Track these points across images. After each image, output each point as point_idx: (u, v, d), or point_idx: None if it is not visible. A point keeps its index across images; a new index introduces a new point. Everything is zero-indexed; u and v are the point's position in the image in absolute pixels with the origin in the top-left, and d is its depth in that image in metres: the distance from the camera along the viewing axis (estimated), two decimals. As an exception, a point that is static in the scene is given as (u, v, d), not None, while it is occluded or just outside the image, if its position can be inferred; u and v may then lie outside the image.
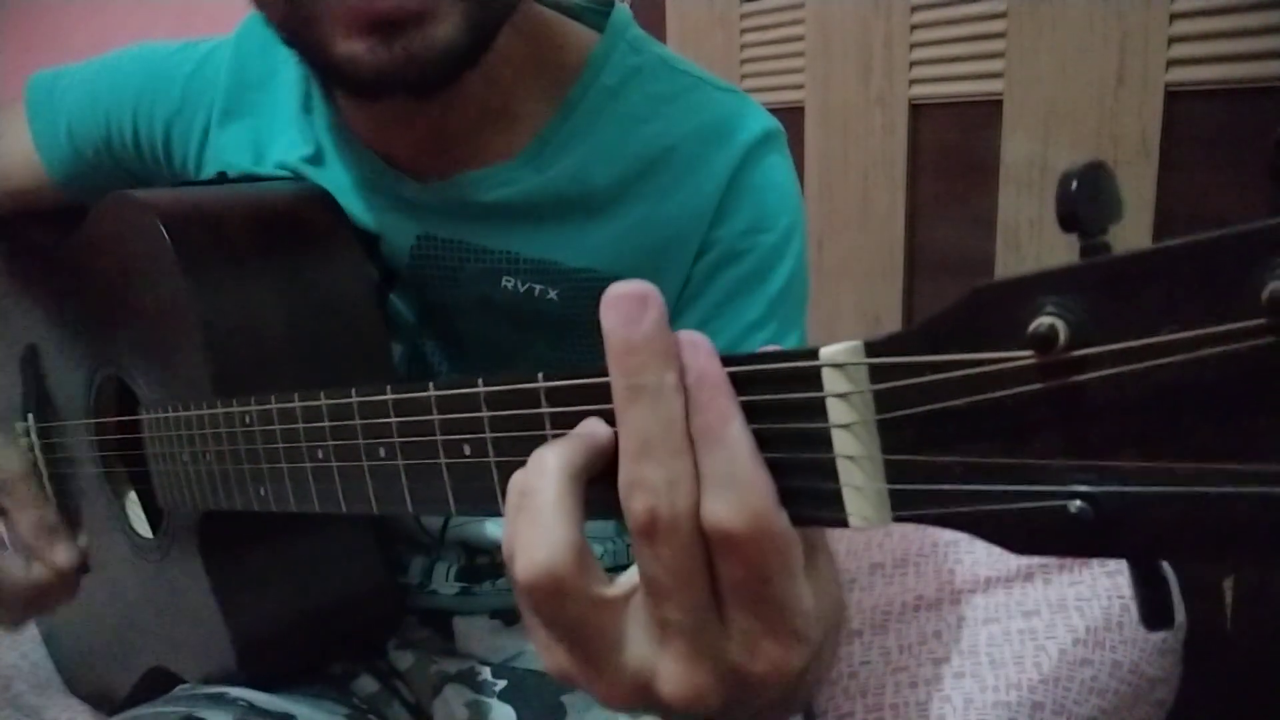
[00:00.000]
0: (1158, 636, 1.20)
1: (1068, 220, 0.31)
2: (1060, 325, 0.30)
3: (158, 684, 0.92)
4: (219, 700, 0.81)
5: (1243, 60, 1.49)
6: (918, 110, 1.93)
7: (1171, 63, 1.55)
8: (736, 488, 0.38)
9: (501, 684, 0.92)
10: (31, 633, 1.21)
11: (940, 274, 1.96)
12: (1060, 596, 1.22)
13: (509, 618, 0.94)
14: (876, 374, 0.36)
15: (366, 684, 0.93)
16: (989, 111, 1.81)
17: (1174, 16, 1.53)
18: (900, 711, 1.05)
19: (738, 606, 0.41)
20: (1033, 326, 0.30)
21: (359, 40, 0.67)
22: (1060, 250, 1.73)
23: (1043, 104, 1.72)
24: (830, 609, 0.45)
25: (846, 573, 1.36)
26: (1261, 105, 1.49)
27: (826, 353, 0.37)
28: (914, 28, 1.89)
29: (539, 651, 0.46)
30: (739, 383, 0.39)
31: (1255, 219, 0.28)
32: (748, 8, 2.18)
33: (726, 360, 0.40)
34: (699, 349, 0.40)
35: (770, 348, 0.40)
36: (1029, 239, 1.78)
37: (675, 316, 0.84)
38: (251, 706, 0.81)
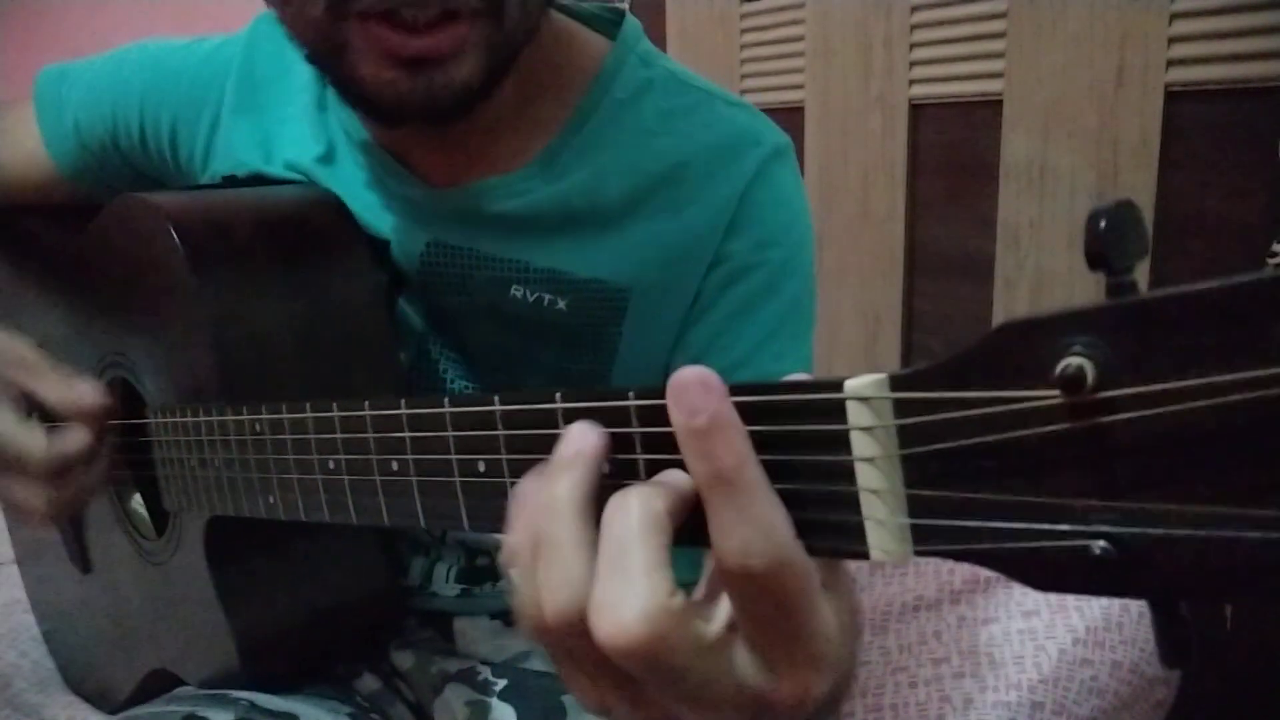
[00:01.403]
0: (1158, 636, 1.21)
1: (1096, 259, 0.31)
2: (1088, 366, 0.30)
3: (160, 686, 0.92)
4: (221, 700, 0.82)
5: (1243, 60, 1.49)
6: (918, 110, 1.94)
7: (1171, 63, 1.56)
8: (755, 528, 0.38)
9: (502, 684, 0.92)
10: (32, 632, 1.21)
11: (940, 274, 1.96)
12: (1060, 596, 1.23)
13: (509, 619, 0.94)
14: (900, 408, 0.36)
15: (369, 683, 0.94)
16: (989, 111, 1.81)
17: (1174, 16, 1.54)
18: (900, 711, 1.05)
19: (760, 637, 0.41)
20: (1060, 367, 0.30)
21: (387, 71, 0.69)
22: (1060, 250, 1.73)
23: (1043, 104, 1.73)
24: (850, 620, 0.45)
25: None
26: (1261, 105, 1.49)
27: (851, 385, 0.37)
28: (914, 28, 1.89)
29: (575, 692, 0.46)
30: (762, 413, 0.39)
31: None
32: (748, 8, 2.18)
33: (751, 389, 0.40)
34: (712, 391, 0.39)
35: (795, 377, 0.40)
36: (1029, 239, 1.78)
37: (687, 329, 0.85)
38: (254, 706, 0.82)
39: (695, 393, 0.39)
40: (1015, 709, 1.05)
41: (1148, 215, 1.60)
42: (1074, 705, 1.09)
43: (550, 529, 0.42)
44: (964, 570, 1.32)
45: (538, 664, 0.92)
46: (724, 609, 0.42)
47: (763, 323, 0.84)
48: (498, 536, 0.89)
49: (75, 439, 0.81)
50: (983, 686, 1.08)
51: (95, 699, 1.10)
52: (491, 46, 0.70)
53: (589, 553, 0.41)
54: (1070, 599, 1.22)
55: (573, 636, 0.42)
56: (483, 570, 0.93)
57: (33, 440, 0.80)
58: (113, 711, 1.03)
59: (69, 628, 1.13)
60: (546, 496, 0.43)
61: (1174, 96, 1.57)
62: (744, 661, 0.42)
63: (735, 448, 0.38)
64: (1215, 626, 1.57)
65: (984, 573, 1.30)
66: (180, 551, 0.85)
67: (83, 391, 0.81)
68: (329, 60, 0.72)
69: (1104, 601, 1.21)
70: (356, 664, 0.95)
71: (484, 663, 0.94)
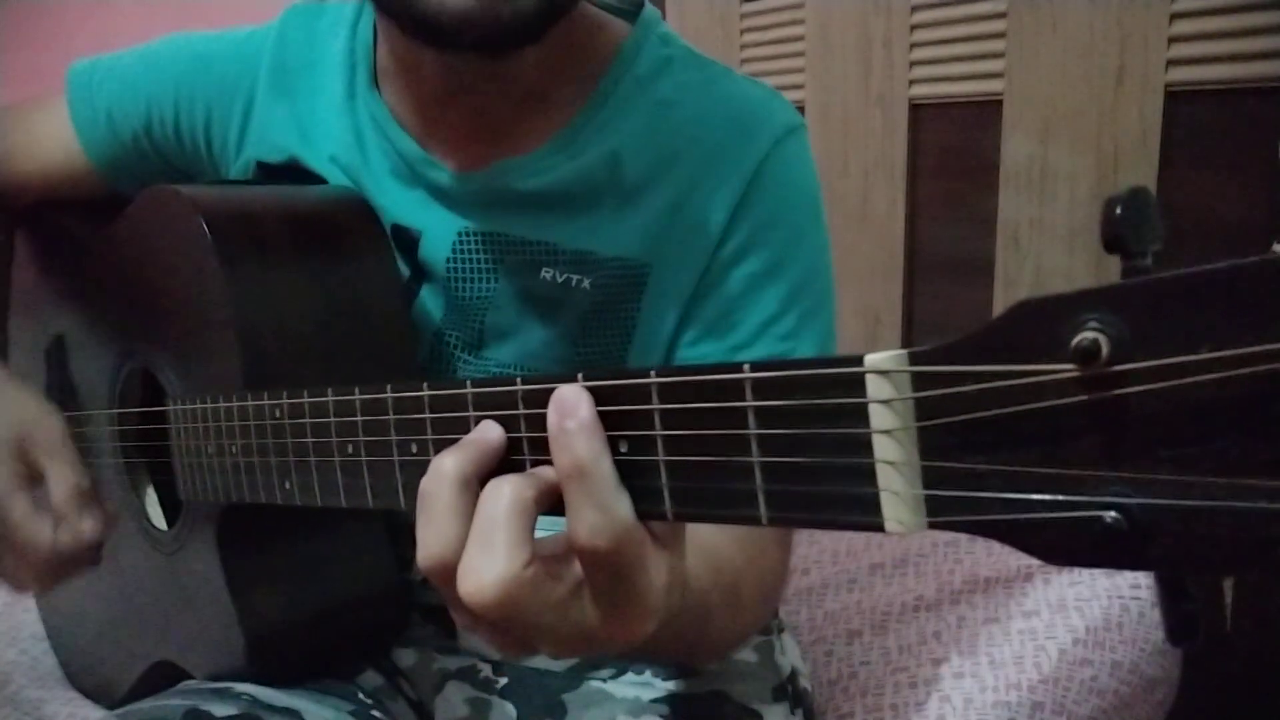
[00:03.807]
0: (1158, 636, 1.21)
1: (1112, 242, 0.32)
2: (1103, 340, 0.31)
3: (162, 679, 0.92)
4: (223, 694, 0.82)
5: (1243, 60, 1.50)
6: (918, 110, 1.94)
7: (1171, 63, 1.56)
8: (602, 513, 0.47)
9: (503, 681, 0.93)
10: (32, 629, 1.21)
11: (940, 274, 1.97)
12: (1060, 596, 1.23)
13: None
14: (919, 382, 0.37)
15: (371, 679, 0.94)
16: (989, 111, 1.82)
17: (1174, 16, 1.55)
18: (900, 711, 1.06)
19: (599, 594, 0.50)
20: (1076, 341, 0.31)
21: None
22: (1060, 250, 1.74)
23: (1043, 104, 1.73)
24: (677, 575, 0.53)
25: (846, 573, 1.37)
26: (1261, 105, 1.50)
27: (871, 359, 0.38)
28: (914, 28, 1.90)
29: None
30: (784, 387, 0.41)
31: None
32: (748, 8, 2.18)
33: (774, 365, 0.41)
34: (582, 400, 0.48)
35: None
36: (1029, 239, 1.78)
37: (695, 304, 0.86)
38: (256, 701, 0.82)
39: (571, 401, 0.48)
40: (1015, 709, 1.05)
41: (1147, 216, 1.60)
42: (1074, 705, 1.09)
43: (433, 491, 0.51)
44: (964, 570, 1.32)
45: (539, 661, 0.92)
46: (575, 567, 0.50)
47: (767, 303, 0.85)
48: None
49: (80, 544, 0.87)
50: (983, 686, 1.08)
51: (95, 694, 1.10)
52: None
53: (460, 520, 0.50)
54: (1070, 599, 1.22)
55: (441, 582, 0.51)
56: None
57: (40, 535, 0.85)
58: (112, 706, 1.03)
59: (73, 621, 1.13)
60: (437, 464, 0.51)
61: (1174, 96, 1.58)
62: (586, 611, 0.51)
63: (593, 445, 0.47)
64: (1215, 626, 1.57)
65: (984, 573, 1.30)
66: (192, 542, 0.85)
67: (88, 525, 0.86)
68: None
69: (1104, 601, 1.21)
70: (359, 661, 0.95)
71: (485, 660, 0.94)
